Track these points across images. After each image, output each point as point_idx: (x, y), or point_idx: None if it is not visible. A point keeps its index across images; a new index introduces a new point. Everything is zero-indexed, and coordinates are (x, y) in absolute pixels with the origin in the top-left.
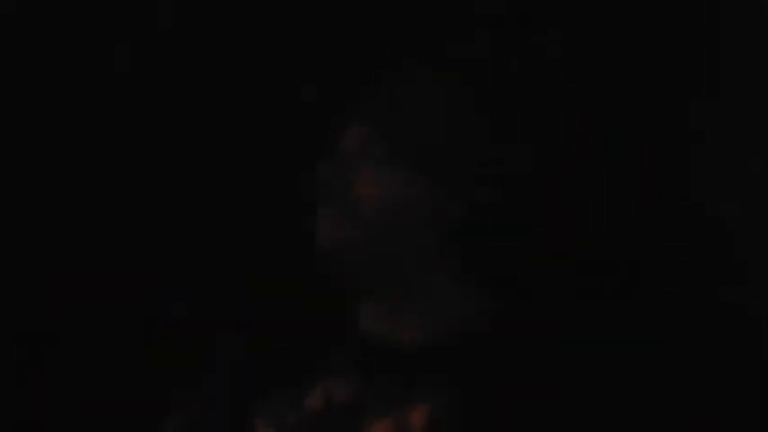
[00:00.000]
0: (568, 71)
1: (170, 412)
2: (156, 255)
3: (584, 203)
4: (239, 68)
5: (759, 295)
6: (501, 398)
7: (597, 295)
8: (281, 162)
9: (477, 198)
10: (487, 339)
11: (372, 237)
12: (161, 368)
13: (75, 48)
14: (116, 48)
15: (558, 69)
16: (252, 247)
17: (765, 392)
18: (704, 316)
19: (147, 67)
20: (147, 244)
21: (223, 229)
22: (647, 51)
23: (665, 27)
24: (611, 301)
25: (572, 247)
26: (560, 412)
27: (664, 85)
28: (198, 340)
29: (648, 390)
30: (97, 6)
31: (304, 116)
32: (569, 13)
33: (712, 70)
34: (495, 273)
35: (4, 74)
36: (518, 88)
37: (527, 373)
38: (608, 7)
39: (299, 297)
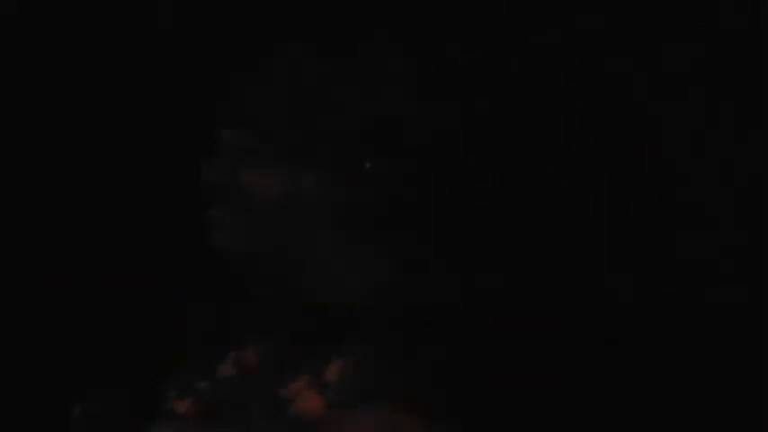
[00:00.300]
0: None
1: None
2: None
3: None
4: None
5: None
6: (413, 351)
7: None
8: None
9: (371, 179)
10: (396, 304)
11: (270, 229)
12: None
13: (75, 48)
14: (116, 48)
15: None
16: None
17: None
18: (697, 314)
19: (147, 66)
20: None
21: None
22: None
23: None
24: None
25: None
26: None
27: (662, 85)
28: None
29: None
30: (97, 7)
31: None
32: (569, 14)
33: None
34: (401, 246)
35: (4, 74)
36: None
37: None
38: (608, 8)
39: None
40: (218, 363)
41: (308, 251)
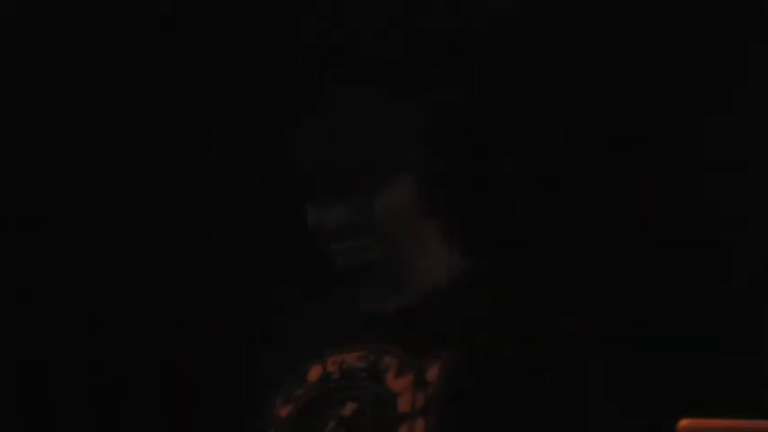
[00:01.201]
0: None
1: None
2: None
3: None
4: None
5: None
6: (499, 348)
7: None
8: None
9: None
10: (476, 295)
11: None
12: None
13: (74, 47)
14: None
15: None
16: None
17: None
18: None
19: (146, 67)
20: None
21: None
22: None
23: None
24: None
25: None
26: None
27: (664, 86)
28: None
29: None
30: (97, 8)
31: None
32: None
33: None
34: (476, 234)
35: (4, 74)
36: None
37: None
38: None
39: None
40: (309, 368)
41: (411, 252)
